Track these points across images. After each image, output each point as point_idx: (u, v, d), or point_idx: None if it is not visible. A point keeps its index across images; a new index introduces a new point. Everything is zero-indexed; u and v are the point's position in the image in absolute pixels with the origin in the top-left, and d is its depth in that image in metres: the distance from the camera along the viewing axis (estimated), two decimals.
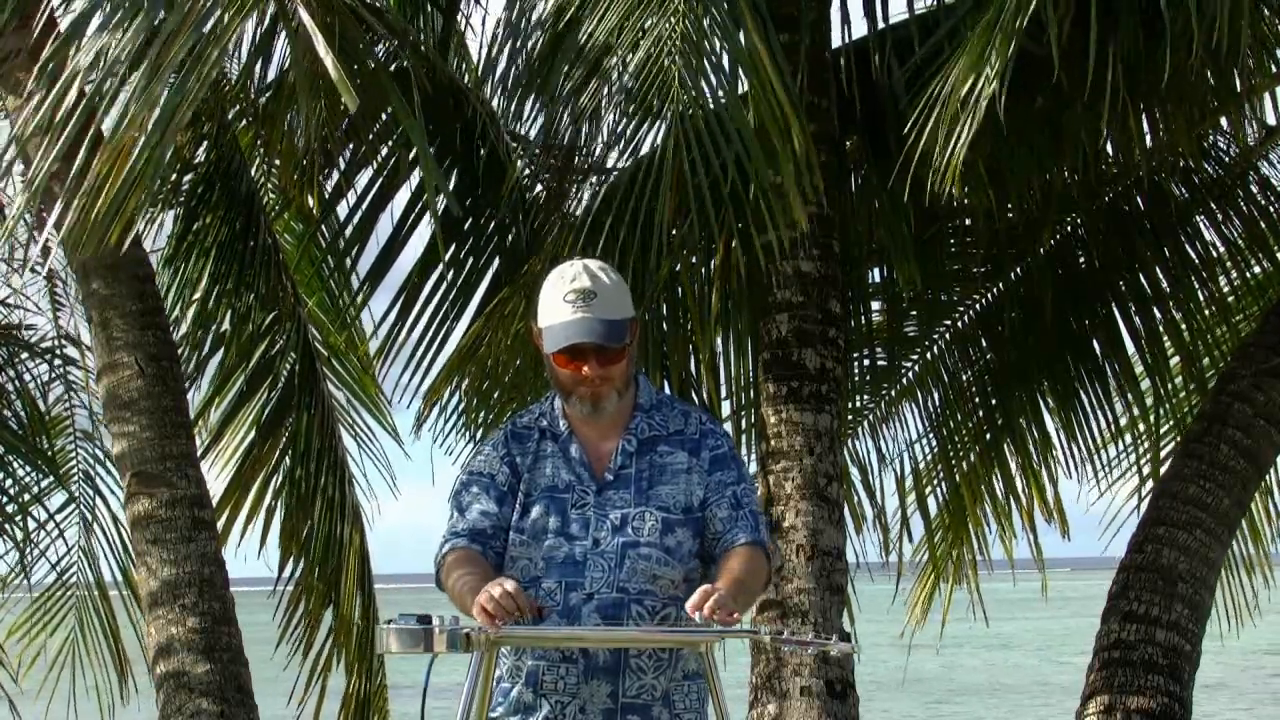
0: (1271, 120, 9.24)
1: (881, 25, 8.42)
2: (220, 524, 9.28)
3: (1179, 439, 9.51)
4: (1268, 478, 9.63)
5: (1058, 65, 6.70)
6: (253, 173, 9.36)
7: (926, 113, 6.92)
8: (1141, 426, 9.91)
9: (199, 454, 8.80)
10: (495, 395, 8.79)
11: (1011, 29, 6.66)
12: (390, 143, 9.05)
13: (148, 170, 6.57)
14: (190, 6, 6.62)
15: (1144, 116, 8.44)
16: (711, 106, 7.22)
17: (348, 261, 9.45)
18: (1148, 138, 8.58)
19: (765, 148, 7.19)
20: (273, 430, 9.53)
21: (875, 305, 9.93)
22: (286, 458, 9.53)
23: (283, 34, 7.32)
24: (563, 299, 4.95)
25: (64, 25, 7.06)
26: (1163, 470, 9.19)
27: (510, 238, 9.16)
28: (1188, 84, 7.77)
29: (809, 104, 8.03)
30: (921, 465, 10.18)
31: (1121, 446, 9.99)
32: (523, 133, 8.98)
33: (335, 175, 9.12)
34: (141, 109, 6.50)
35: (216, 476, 9.49)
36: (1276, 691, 33.91)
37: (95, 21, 6.75)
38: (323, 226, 9.67)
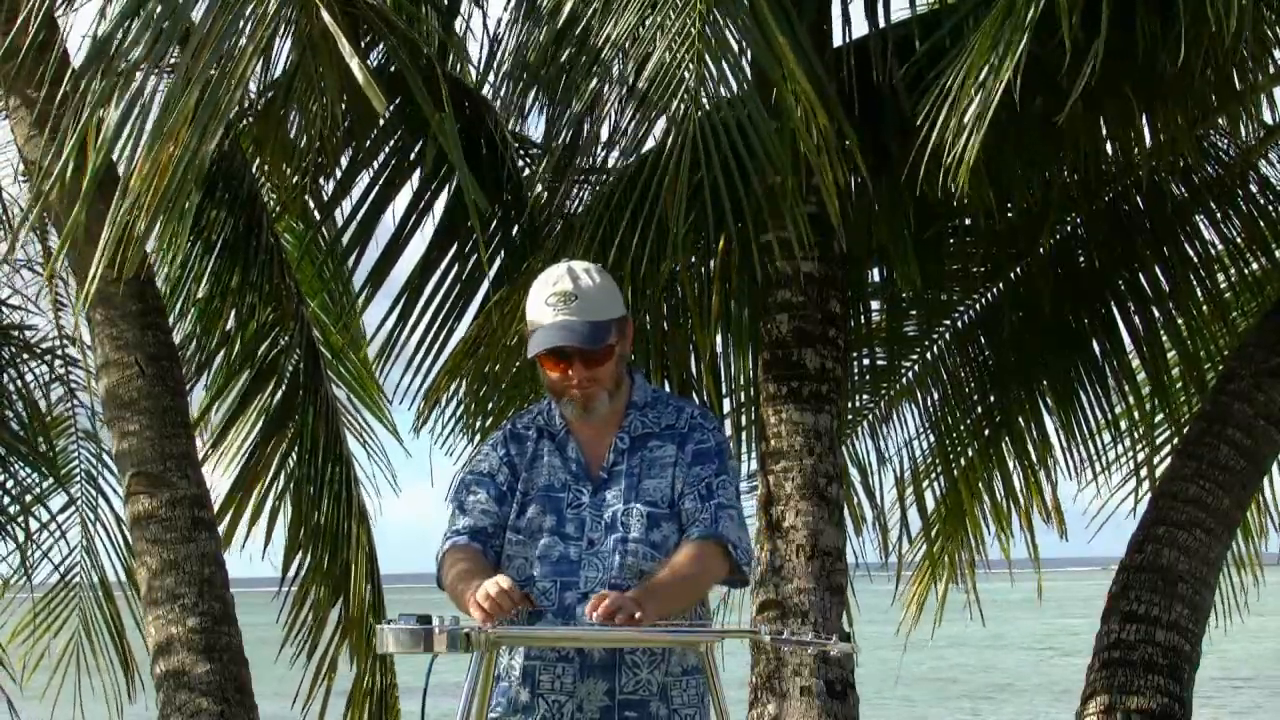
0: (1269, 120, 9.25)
1: (883, 24, 8.39)
2: (225, 524, 9.29)
3: (1178, 439, 9.51)
4: None
5: (1067, 62, 6.67)
6: (254, 171, 9.36)
7: (936, 108, 6.89)
8: (1141, 427, 9.91)
9: (203, 453, 8.79)
10: (496, 394, 8.79)
11: (1023, 21, 6.62)
12: (389, 145, 9.05)
13: (186, 178, 6.58)
14: (211, 25, 6.63)
15: (1144, 116, 8.44)
16: (724, 102, 7.16)
17: (348, 265, 9.45)
18: (1147, 138, 8.58)
19: (783, 143, 7.15)
20: (277, 429, 9.53)
21: (875, 305, 9.94)
22: (292, 456, 9.53)
23: (282, 35, 7.30)
24: (545, 302, 4.95)
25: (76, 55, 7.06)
26: (1161, 470, 9.19)
27: (512, 235, 9.16)
28: (1188, 83, 7.76)
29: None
30: (921, 465, 10.18)
31: (1122, 447, 9.99)
32: (524, 132, 8.98)
33: (336, 176, 9.12)
34: (175, 124, 6.51)
35: (221, 475, 9.51)
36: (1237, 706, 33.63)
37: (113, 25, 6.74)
38: (323, 228, 9.66)
